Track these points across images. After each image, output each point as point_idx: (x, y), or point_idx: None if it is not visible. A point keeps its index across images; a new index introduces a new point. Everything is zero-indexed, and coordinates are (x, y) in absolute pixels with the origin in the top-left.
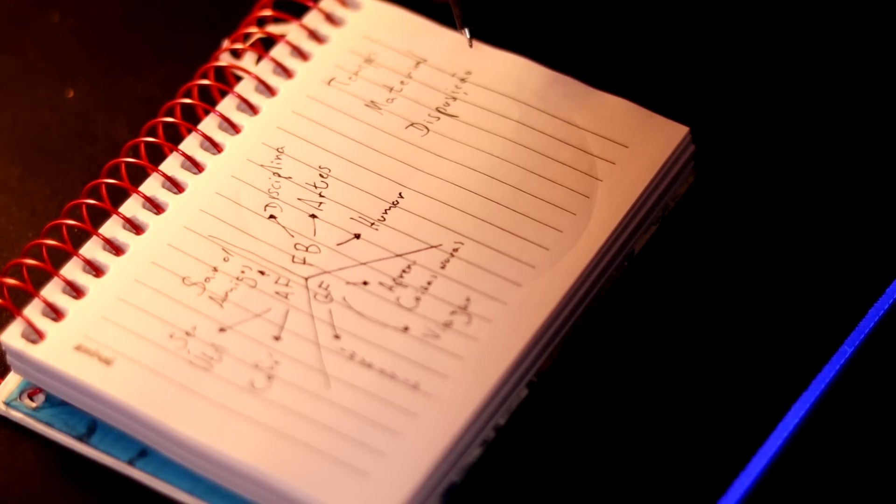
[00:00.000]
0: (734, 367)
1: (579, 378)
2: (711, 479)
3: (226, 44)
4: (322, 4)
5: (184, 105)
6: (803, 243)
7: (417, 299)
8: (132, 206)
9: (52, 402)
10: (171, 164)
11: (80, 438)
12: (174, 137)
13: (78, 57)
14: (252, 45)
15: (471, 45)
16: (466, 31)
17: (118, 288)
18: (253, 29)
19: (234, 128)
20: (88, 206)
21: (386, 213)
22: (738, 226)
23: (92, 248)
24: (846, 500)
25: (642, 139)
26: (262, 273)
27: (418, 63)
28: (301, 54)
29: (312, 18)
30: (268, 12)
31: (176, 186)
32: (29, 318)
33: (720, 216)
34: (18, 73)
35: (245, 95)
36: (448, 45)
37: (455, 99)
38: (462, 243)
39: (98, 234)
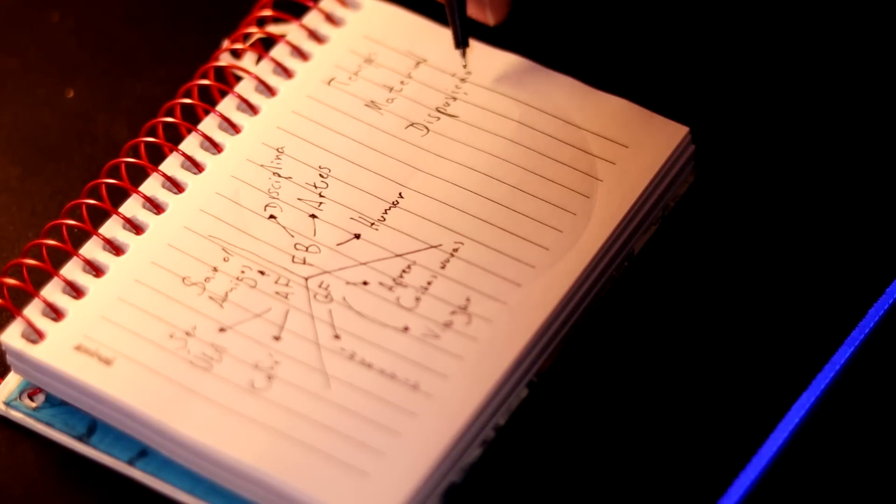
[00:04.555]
0: (734, 367)
1: (579, 378)
2: (711, 479)
3: (226, 44)
4: (322, 4)
5: (184, 105)
6: (803, 243)
7: (417, 299)
8: (132, 206)
9: (52, 402)
10: (171, 164)
11: (80, 438)
12: (174, 137)
13: (78, 57)
14: (252, 45)
15: (465, 67)
16: (461, 51)
17: (118, 288)
18: (253, 29)
19: (234, 128)
20: (88, 206)
21: (386, 213)
22: (738, 226)
23: (92, 248)
24: (846, 500)
25: (642, 139)
26: (262, 273)
27: (418, 63)
28: (301, 54)
29: (312, 18)
30: (268, 12)
31: (176, 186)
32: (29, 318)
33: (720, 216)
34: (18, 73)
35: (245, 95)
36: (448, 45)
37: (455, 99)
38: (462, 243)
39: (98, 234)
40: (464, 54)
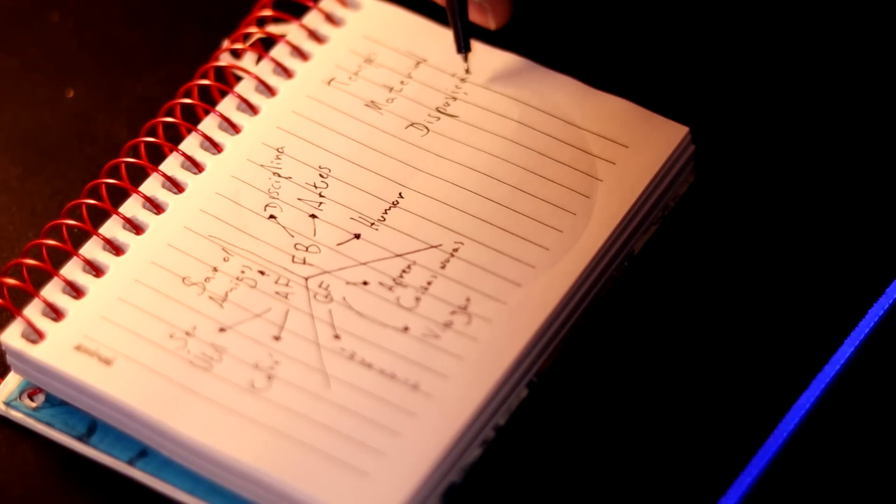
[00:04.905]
0: (734, 367)
1: (579, 378)
2: (711, 479)
3: (226, 44)
4: (322, 4)
5: (184, 105)
6: (803, 243)
7: (417, 299)
8: (132, 206)
9: (52, 402)
10: (171, 164)
11: (80, 438)
12: (174, 137)
13: (78, 57)
14: (252, 45)
15: (467, 72)
16: (463, 56)
17: (118, 288)
18: (253, 29)
19: (234, 128)
20: (88, 206)
21: (386, 213)
22: (738, 226)
23: (92, 248)
24: (846, 500)
25: (642, 139)
26: (262, 273)
27: (418, 63)
28: (301, 54)
29: (312, 18)
30: (268, 12)
31: (176, 186)
32: (29, 318)
33: (720, 216)
34: (18, 73)
35: (245, 95)
36: (448, 45)
37: (455, 99)
38: (462, 243)
39: (98, 234)
40: (465, 59)
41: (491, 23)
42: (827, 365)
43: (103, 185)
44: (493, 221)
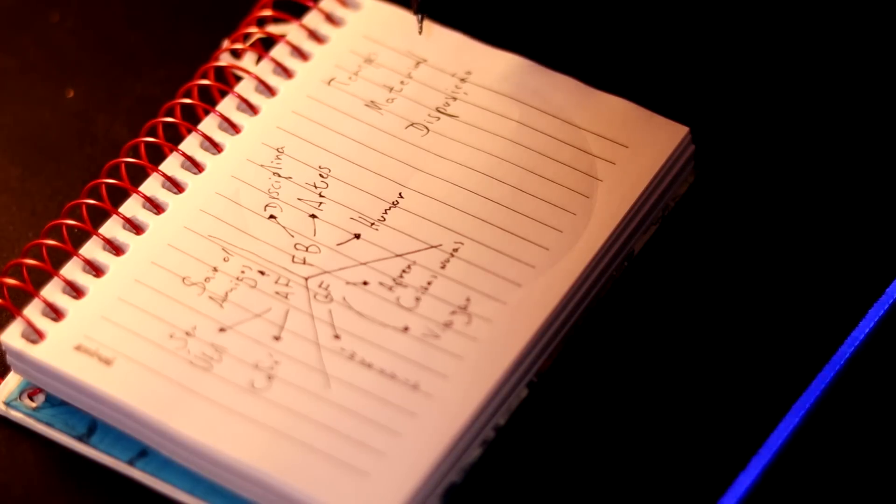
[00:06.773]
0: (734, 367)
1: (579, 378)
2: (711, 479)
3: (226, 44)
4: (322, 4)
5: (184, 105)
6: (803, 243)
7: (417, 299)
8: (132, 206)
9: (52, 402)
10: (171, 164)
11: (80, 438)
12: (174, 137)
13: (78, 57)
14: (252, 45)
15: (420, 32)
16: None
17: (118, 288)
18: (253, 29)
19: (234, 128)
20: (88, 206)
21: (386, 213)
22: (738, 226)
23: (92, 248)
24: (846, 500)
25: (642, 139)
26: (262, 273)
27: (418, 63)
28: (301, 54)
29: (312, 18)
30: (268, 12)
31: (176, 186)
32: (29, 318)
33: (720, 216)
34: (18, 73)
35: (245, 95)
36: (448, 45)
37: (455, 99)
38: (462, 243)
39: (98, 234)
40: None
41: None
42: (827, 365)
43: (103, 185)
44: (493, 221)
